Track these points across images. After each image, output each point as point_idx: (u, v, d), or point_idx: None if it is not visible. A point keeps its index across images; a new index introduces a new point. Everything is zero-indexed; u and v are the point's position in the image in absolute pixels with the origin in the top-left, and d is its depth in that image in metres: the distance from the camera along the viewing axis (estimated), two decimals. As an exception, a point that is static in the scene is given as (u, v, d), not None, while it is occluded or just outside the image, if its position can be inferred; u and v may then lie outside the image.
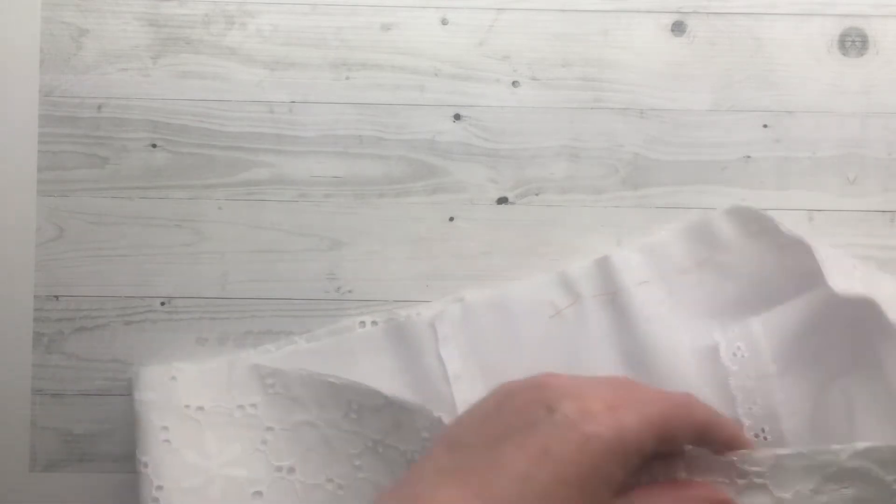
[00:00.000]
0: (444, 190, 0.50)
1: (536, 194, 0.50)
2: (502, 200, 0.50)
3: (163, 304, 0.50)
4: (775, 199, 0.49)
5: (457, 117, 0.50)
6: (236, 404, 0.47)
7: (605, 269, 0.48)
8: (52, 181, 0.50)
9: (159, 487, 0.45)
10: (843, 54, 0.50)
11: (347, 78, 0.50)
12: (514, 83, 0.50)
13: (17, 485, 0.49)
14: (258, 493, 0.47)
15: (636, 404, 0.35)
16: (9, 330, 0.49)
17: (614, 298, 0.47)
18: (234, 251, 0.50)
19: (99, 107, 0.50)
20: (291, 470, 0.47)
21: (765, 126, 0.50)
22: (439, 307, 0.48)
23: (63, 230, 0.50)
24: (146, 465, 0.46)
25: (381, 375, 0.47)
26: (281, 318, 0.49)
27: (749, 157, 0.50)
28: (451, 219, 0.50)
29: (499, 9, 0.50)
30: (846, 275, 0.43)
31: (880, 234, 0.49)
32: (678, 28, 0.50)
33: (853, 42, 0.50)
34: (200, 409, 0.47)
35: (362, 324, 0.48)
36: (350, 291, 0.49)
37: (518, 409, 0.35)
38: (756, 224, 0.47)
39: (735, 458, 0.37)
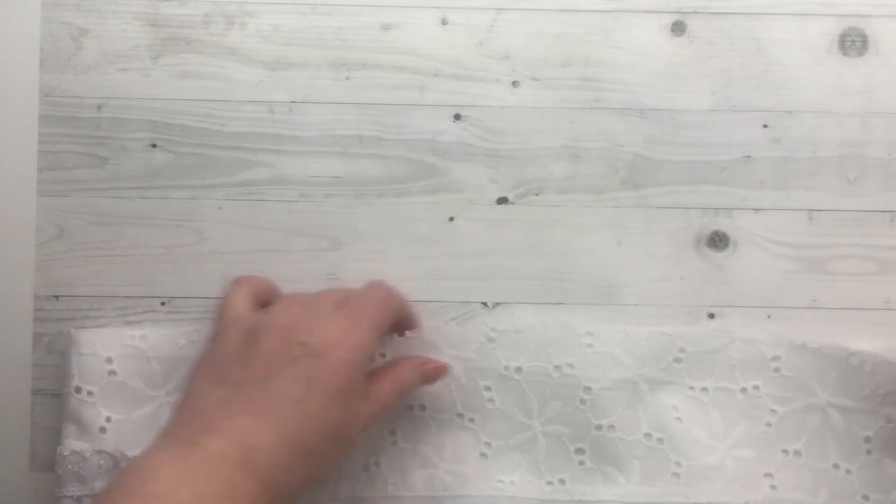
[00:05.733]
0: (444, 190, 0.50)
1: (536, 194, 0.50)
2: (502, 200, 0.50)
3: (163, 304, 0.50)
4: (775, 199, 0.49)
5: (457, 117, 0.50)
6: (739, 387, 0.48)
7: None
8: (52, 181, 0.50)
9: None
10: (843, 54, 0.50)
11: (347, 78, 0.50)
12: (514, 83, 0.50)
13: (17, 485, 0.49)
14: (769, 475, 0.47)
15: (359, 317, 0.44)
16: (9, 330, 0.49)
17: None
18: (234, 251, 0.50)
19: (99, 107, 0.50)
20: (798, 453, 0.47)
21: (765, 126, 0.50)
22: None
23: (63, 230, 0.50)
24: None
25: None
26: (281, 318, 0.49)
27: (749, 157, 0.50)
28: (451, 219, 0.50)
29: (499, 9, 0.50)
30: None
31: (880, 234, 0.49)
32: (678, 28, 0.50)
33: (853, 42, 0.50)
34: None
35: None
36: (350, 291, 0.49)
37: (274, 349, 0.42)
38: None
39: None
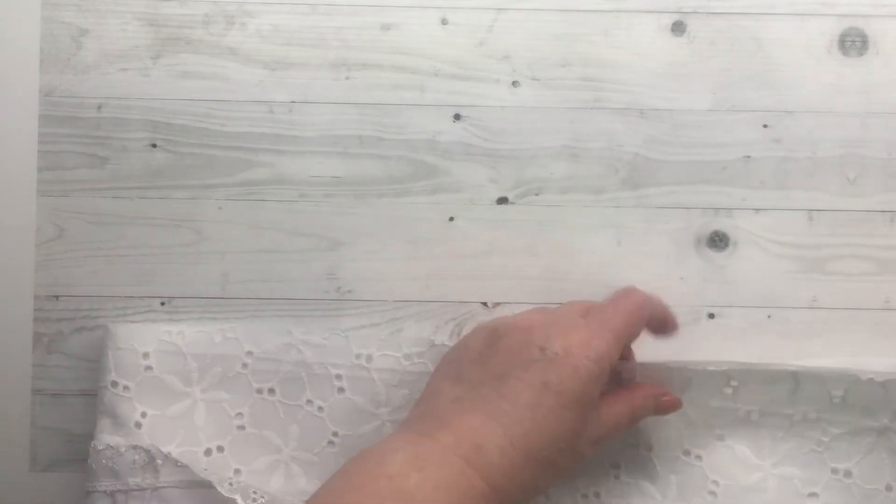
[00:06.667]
0: (444, 190, 0.50)
1: (536, 194, 0.50)
2: (502, 200, 0.50)
3: (163, 304, 0.50)
4: (775, 199, 0.49)
5: (457, 117, 0.50)
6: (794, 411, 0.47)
7: None
8: (52, 181, 0.50)
9: None
10: (843, 54, 0.50)
11: (347, 78, 0.50)
12: (514, 83, 0.50)
13: (17, 485, 0.49)
14: (814, 495, 0.47)
15: (604, 326, 0.43)
16: (9, 330, 0.49)
17: None
18: (234, 251, 0.50)
19: (99, 107, 0.50)
20: (848, 473, 0.47)
21: (765, 126, 0.50)
22: None
23: (63, 230, 0.50)
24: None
25: None
26: (281, 318, 0.49)
27: (749, 157, 0.50)
28: (451, 219, 0.50)
29: (499, 9, 0.50)
30: None
31: (880, 234, 0.49)
32: (678, 28, 0.50)
33: (853, 42, 0.50)
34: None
35: None
36: (350, 291, 0.49)
37: (513, 349, 0.42)
38: None
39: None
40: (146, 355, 0.48)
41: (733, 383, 0.47)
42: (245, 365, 0.48)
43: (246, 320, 0.49)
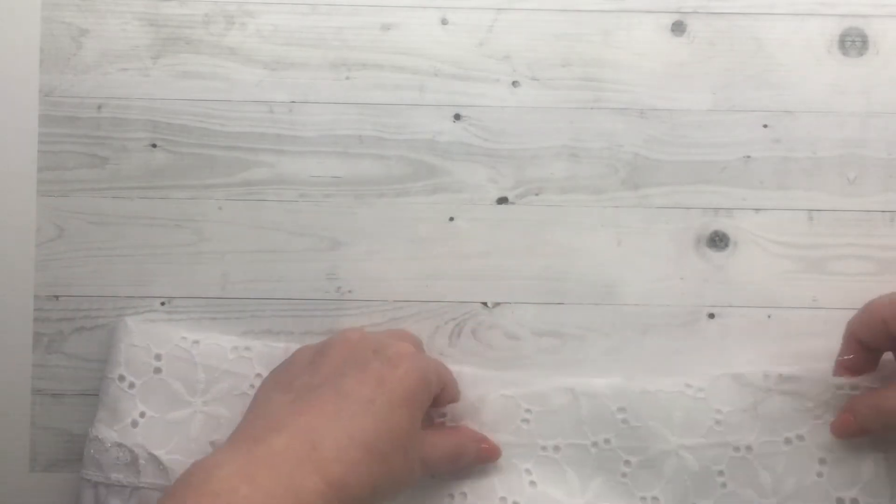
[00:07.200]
0: (444, 190, 0.50)
1: (536, 194, 0.50)
2: (502, 200, 0.50)
3: (163, 304, 0.50)
4: (775, 199, 0.49)
5: (457, 117, 0.50)
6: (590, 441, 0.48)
7: None
8: (52, 181, 0.50)
9: None
10: (843, 54, 0.50)
11: (347, 78, 0.50)
12: (514, 83, 0.50)
13: (17, 485, 0.49)
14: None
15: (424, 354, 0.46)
16: (9, 330, 0.49)
17: None
18: (234, 251, 0.50)
19: (99, 107, 0.50)
20: (655, 499, 0.47)
21: (765, 126, 0.50)
22: None
23: (63, 230, 0.50)
24: None
25: None
26: (281, 318, 0.49)
27: (749, 157, 0.50)
28: (451, 219, 0.50)
29: (499, 9, 0.50)
30: None
31: (880, 234, 0.49)
32: (678, 28, 0.50)
33: (853, 42, 0.50)
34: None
35: None
36: (350, 291, 0.49)
37: (346, 354, 0.44)
38: None
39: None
40: (158, 356, 0.48)
41: (526, 413, 0.47)
42: (252, 386, 0.48)
43: (246, 319, 0.49)
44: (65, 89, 0.50)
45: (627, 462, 0.47)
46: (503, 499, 0.47)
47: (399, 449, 0.42)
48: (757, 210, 0.50)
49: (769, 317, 0.49)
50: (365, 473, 0.40)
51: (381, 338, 0.45)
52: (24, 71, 0.50)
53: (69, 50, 0.50)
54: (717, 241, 0.50)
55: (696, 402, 0.47)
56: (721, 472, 0.46)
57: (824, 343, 0.48)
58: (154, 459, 0.46)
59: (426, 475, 0.45)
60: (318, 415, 0.41)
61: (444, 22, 0.50)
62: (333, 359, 0.43)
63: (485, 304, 0.50)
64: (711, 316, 0.49)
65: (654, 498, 0.47)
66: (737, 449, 0.46)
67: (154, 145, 0.50)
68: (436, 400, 0.45)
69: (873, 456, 0.46)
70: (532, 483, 0.47)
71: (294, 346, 0.48)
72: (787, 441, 0.46)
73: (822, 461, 0.46)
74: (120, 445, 0.47)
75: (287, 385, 0.43)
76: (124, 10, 0.50)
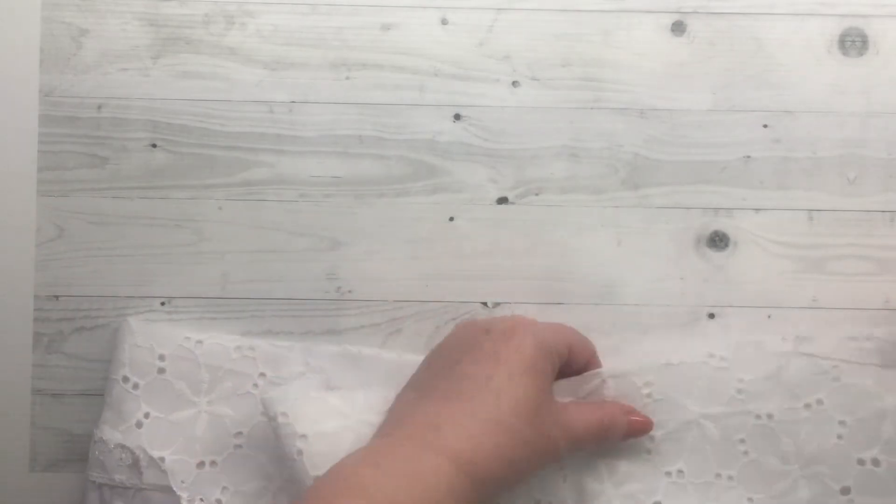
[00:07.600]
0: (444, 190, 0.50)
1: (536, 194, 0.50)
2: (502, 200, 0.50)
3: (163, 304, 0.50)
4: (775, 199, 0.49)
5: (457, 117, 0.50)
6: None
7: None
8: (52, 181, 0.50)
9: None
10: (843, 54, 0.50)
11: (347, 78, 0.50)
12: (514, 83, 0.50)
13: (17, 485, 0.49)
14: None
15: (545, 323, 0.45)
16: (9, 330, 0.49)
17: None
18: (234, 251, 0.50)
19: (99, 107, 0.50)
20: (680, 472, 0.47)
21: (765, 126, 0.50)
22: None
23: (63, 230, 0.50)
24: None
25: None
26: (281, 318, 0.49)
27: (749, 157, 0.50)
28: (451, 219, 0.50)
29: (499, 9, 0.50)
30: None
31: (880, 234, 0.49)
32: (678, 28, 0.50)
33: (853, 42, 0.50)
34: None
35: None
36: (350, 291, 0.49)
37: (457, 343, 0.44)
38: None
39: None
40: (162, 357, 0.48)
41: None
42: (256, 385, 0.48)
43: (246, 319, 0.49)
44: (65, 89, 0.50)
45: (651, 437, 0.46)
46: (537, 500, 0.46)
47: (527, 420, 0.41)
48: (757, 210, 0.50)
49: (769, 317, 0.49)
50: (491, 449, 0.40)
51: (491, 318, 0.46)
52: (24, 71, 0.50)
53: (69, 50, 0.50)
54: (717, 241, 0.50)
55: (719, 372, 0.47)
56: (742, 441, 0.46)
57: (824, 343, 0.48)
58: (152, 461, 0.47)
59: (573, 451, 0.44)
60: (438, 401, 0.41)
61: (444, 22, 0.50)
62: (448, 350, 0.44)
63: (485, 304, 0.50)
64: (711, 316, 0.49)
65: (679, 471, 0.47)
66: (758, 417, 0.46)
67: (154, 145, 0.50)
68: (571, 366, 0.45)
69: (892, 416, 0.46)
70: (560, 470, 0.46)
71: (295, 346, 0.48)
72: (808, 406, 0.46)
73: (841, 423, 0.46)
74: (122, 447, 0.47)
75: (409, 386, 0.44)
76: (124, 10, 0.50)
